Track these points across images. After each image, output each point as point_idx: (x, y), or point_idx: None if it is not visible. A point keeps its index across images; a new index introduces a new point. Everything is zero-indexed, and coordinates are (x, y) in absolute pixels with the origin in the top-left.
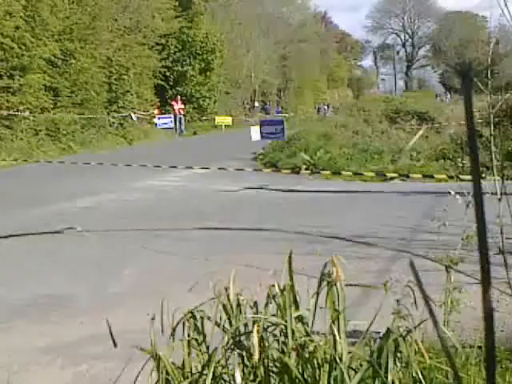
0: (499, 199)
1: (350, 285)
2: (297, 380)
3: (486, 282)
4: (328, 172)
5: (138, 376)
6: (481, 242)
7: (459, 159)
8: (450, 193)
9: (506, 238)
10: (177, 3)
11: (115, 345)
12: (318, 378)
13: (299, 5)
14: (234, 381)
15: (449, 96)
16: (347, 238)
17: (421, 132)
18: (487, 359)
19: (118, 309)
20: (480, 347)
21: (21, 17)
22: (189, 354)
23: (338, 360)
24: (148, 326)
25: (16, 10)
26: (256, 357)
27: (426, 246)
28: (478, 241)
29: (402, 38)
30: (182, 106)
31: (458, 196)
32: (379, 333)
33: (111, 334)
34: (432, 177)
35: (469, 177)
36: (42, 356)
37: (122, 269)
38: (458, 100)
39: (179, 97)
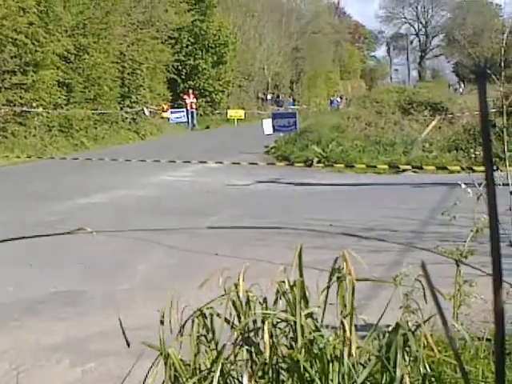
0: (511, 192)
1: (360, 280)
2: (306, 376)
3: (497, 278)
4: (341, 165)
5: (148, 373)
6: (493, 233)
7: (472, 150)
8: (460, 185)
9: None
10: None
11: (128, 344)
12: (327, 374)
13: None
14: (243, 377)
15: (462, 86)
16: (358, 231)
17: (434, 123)
18: (496, 355)
19: (129, 305)
20: (489, 340)
21: (34, 12)
22: (197, 350)
23: (346, 357)
24: (158, 323)
25: (29, 6)
26: (267, 354)
27: (437, 239)
28: (490, 232)
29: (416, 27)
30: (194, 100)
31: (468, 189)
32: (389, 326)
33: (124, 333)
34: (445, 168)
35: (481, 168)
36: (51, 353)
37: (134, 265)
38: (471, 90)
39: (191, 91)
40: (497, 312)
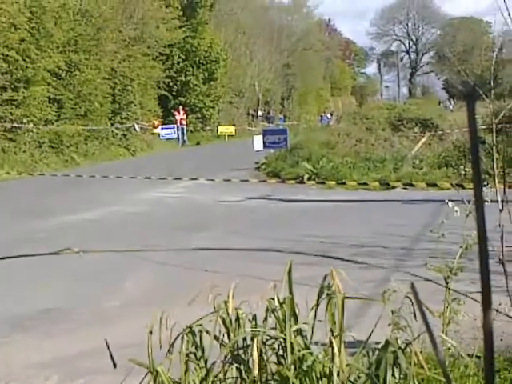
0: (500, 209)
1: (349, 297)
2: None
3: (486, 296)
4: (332, 182)
5: None
6: (482, 252)
7: (462, 166)
8: (448, 203)
9: (506, 247)
10: (181, 13)
11: (115, 365)
12: None
13: (305, 14)
14: None
15: (452, 103)
16: (349, 247)
17: (424, 139)
18: (486, 372)
19: (118, 322)
20: (478, 357)
21: (25, 29)
22: (186, 368)
23: (335, 375)
24: (147, 341)
25: (21, 23)
26: (256, 372)
27: (427, 255)
28: (479, 251)
29: (406, 44)
30: (184, 117)
31: (456, 208)
32: (379, 343)
33: (110, 354)
34: (435, 185)
35: (471, 185)
36: (40, 370)
37: (123, 282)
38: (461, 107)
39: (181, 107)
40: (486, 330)
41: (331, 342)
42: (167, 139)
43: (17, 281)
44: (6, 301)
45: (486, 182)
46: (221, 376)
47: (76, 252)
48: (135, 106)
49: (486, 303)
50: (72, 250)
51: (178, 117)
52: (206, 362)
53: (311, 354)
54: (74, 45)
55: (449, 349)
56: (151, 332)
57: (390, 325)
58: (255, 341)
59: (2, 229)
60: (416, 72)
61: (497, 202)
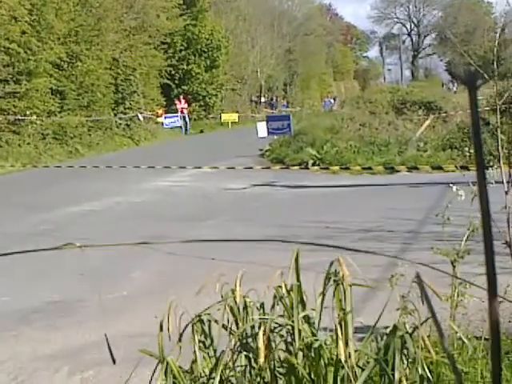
0: (506, 191)
1: (356, 285)
2: (304, 380)
3: (492, 286)
4: (337, 167)
5: (150, 381)
6: (486, 238)
7: (466, 148)
8: (451, 187)
9: None
10: (181, 1)
11: (114, 361)
12: (324, 377)
13: None
14: None
15: (456, 84)
16: (355, 232)
17: (427, 122)
18: (493, 368)
19: (126, 313)
20: (487, 339)
21: (26, 21)
22: (196, 357)
23: (343, 361)
24: (156, 330)
25: (21, 15)
26: (262, 359)
27: (434, 238)
28: (483, 233)
29: (408, 27)
30: (186, 105)
31: (460, 192)
32: (387, 328)
33: (110, 350)
34: (440, 168)
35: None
36: (49, 363)
37: (130, 272)
38: (464, 88)
39: (182, 96)
40: (492, 319)
41: (336, 329)
42: (171, 128)
43: (21, 274)
44: (11, 294)
45: (490, 164)
46: (230, 364)
47: (78, 247)
48: (138, 95)
49: (492, 290)
50: (74, 245)
51: (179, 106)
52: (215, 350)
53: (318, 340)
54: (75, 36)
55: (457, 332)
56: (162, 323)
57: (398, 309)
58: (261, 329)
59: (7, 221)
60: (418, 54)
61: (502, 183)
